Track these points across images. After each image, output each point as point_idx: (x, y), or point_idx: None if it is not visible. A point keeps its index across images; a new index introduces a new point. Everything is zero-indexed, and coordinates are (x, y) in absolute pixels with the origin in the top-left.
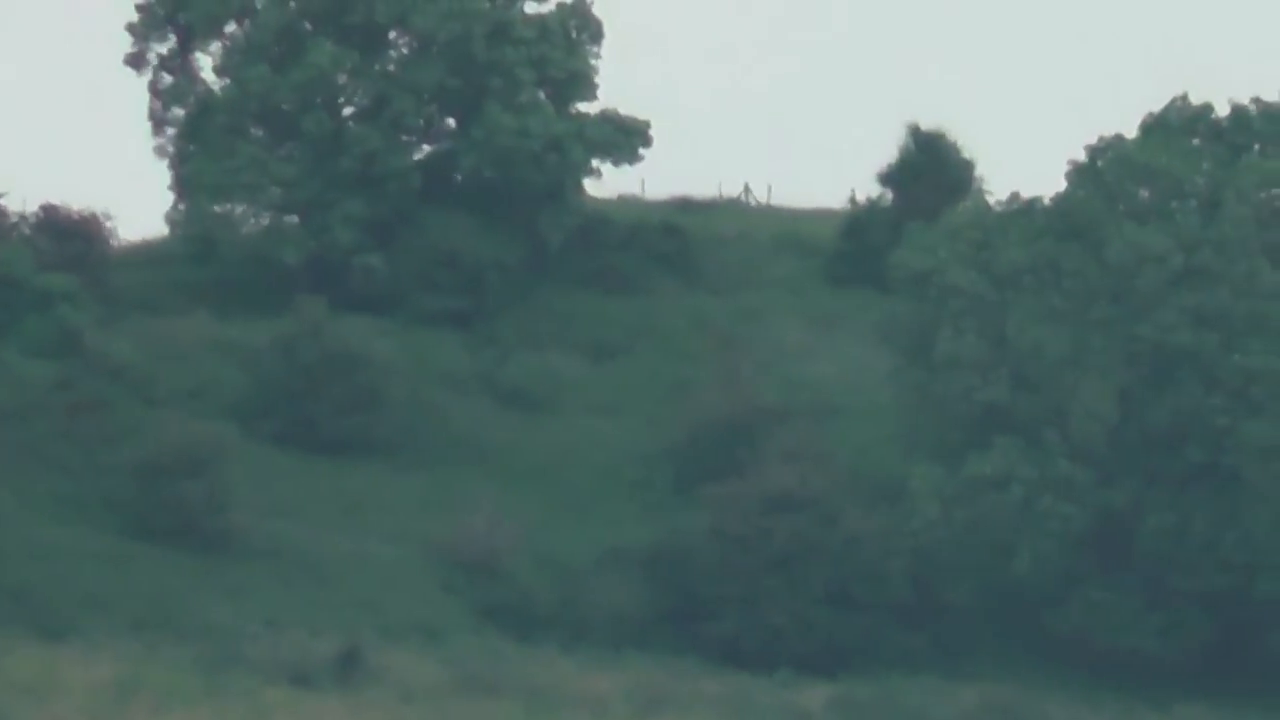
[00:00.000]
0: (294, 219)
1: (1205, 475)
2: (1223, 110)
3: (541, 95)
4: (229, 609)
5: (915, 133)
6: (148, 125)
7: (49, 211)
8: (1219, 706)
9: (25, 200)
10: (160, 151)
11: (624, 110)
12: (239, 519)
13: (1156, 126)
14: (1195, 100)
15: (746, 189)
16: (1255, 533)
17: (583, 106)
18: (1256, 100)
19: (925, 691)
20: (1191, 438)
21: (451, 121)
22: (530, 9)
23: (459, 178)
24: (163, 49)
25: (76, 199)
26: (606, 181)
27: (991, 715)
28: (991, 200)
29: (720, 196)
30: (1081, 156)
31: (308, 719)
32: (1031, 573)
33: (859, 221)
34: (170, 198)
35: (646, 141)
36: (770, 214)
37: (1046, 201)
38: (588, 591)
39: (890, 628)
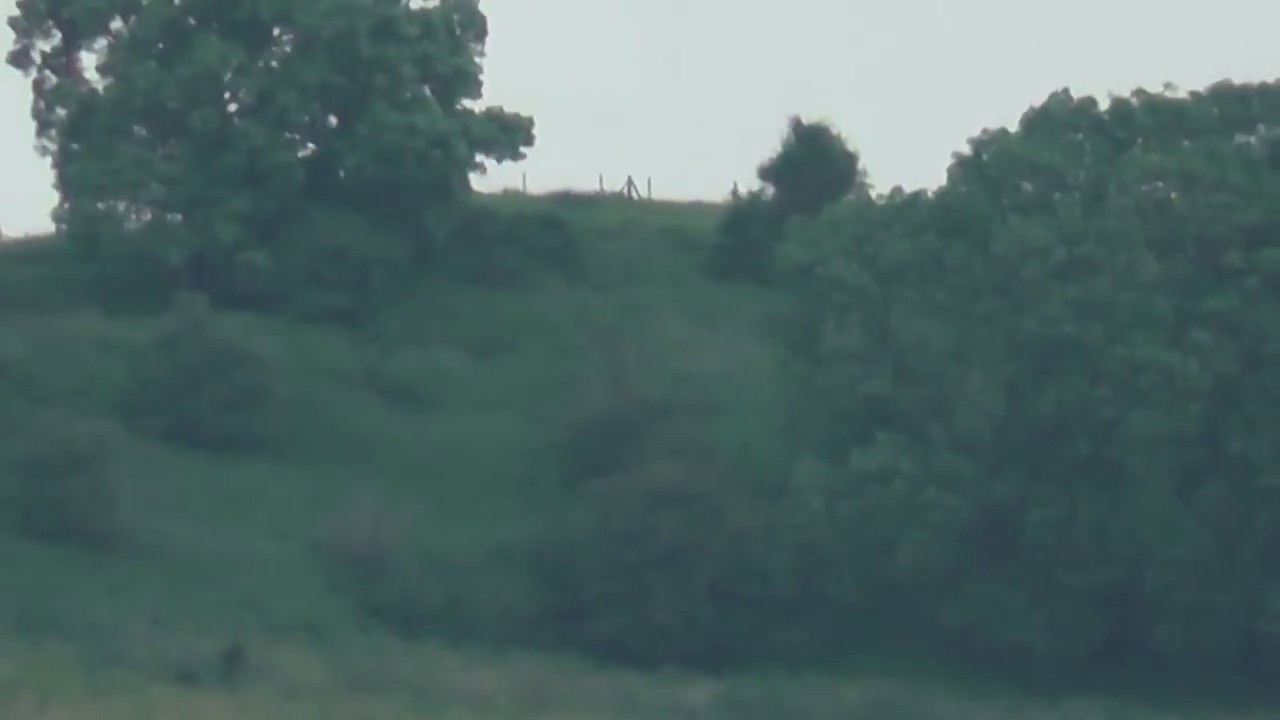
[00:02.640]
0: (178, 216)
1: (1091, 467)
2: (1105, 104)
3: (426, 92)
4: (113, 607)
5: (797, 126)
6: (32, 124)
7: None
8: (1107, 700)
9: None
10: (43, 150)
11: (507, 107)
12: (123, 516)
13: (1039, 120)
14: (1077, 94)
15: (629, 183)
16: (1142, 526)
17: (466, 103)
18: (1139, 93)
19: (810, 688)
20: (1077, 430)
21: (335, 119)
22: (415, 5)
23: (343, 174)
24: (46, 46)
25: None
26: (490, 177)
27: (877, 711)
28: (874, 194)
29: (603, 191)
30: (965, 150)
31: (193, 717)
32: (916, 567)
33: (741, 215)
34: (56, 196)
35: (529, 138)
36: (653, 208)
37: (930, 195)
38: (473, 589)
39: (775, 624)
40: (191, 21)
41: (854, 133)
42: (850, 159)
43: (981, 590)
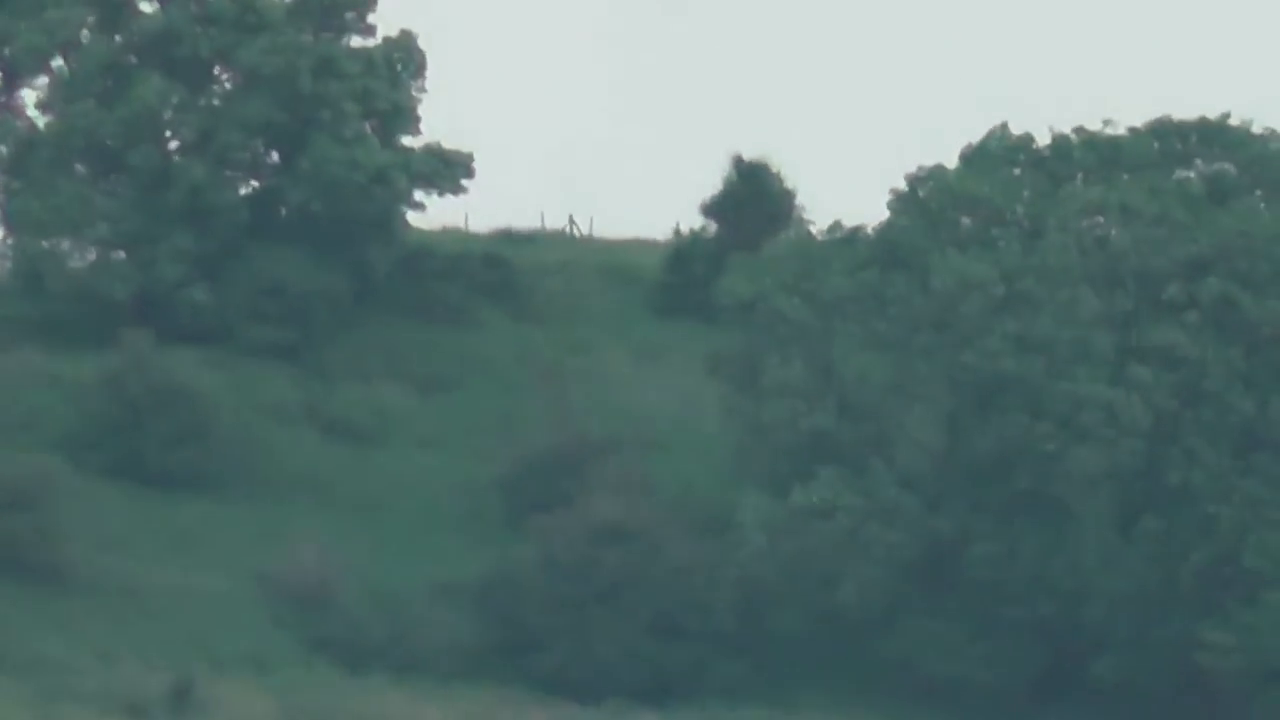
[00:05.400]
0: (121, 254)
1: (1032, 502)
2: (1044, 139)
3: (367, 128)
4: (60, 642)
5: (738, 163)
6: None
7: None
8: None
9: None
10: None
11: (447, 143)
12: (68, 552)
13: (977, 155)
14: (1016, 130)
15: (571, 221)
16: (1082, 560)
17: (407, 140)
18: (1077, 129)
19: None
20: (1018, 465)
21: (277, 156)
22: (355, 43)
23: (286, 211)
24: None
25: None
26: (431, 215)
27: None
28: (814, 229)
29: (544, 229)
30: (903, 186)
31: None
32: (858, 601)
33: (683, 252)
34: None
35: (469, 173)
36: (594, 245)
37: (869, 230)
38: (417, 624)
39: (717, 657)
40: (132, 59)
41: (794, 169)
42: (789, 195)
43: (922, 624)
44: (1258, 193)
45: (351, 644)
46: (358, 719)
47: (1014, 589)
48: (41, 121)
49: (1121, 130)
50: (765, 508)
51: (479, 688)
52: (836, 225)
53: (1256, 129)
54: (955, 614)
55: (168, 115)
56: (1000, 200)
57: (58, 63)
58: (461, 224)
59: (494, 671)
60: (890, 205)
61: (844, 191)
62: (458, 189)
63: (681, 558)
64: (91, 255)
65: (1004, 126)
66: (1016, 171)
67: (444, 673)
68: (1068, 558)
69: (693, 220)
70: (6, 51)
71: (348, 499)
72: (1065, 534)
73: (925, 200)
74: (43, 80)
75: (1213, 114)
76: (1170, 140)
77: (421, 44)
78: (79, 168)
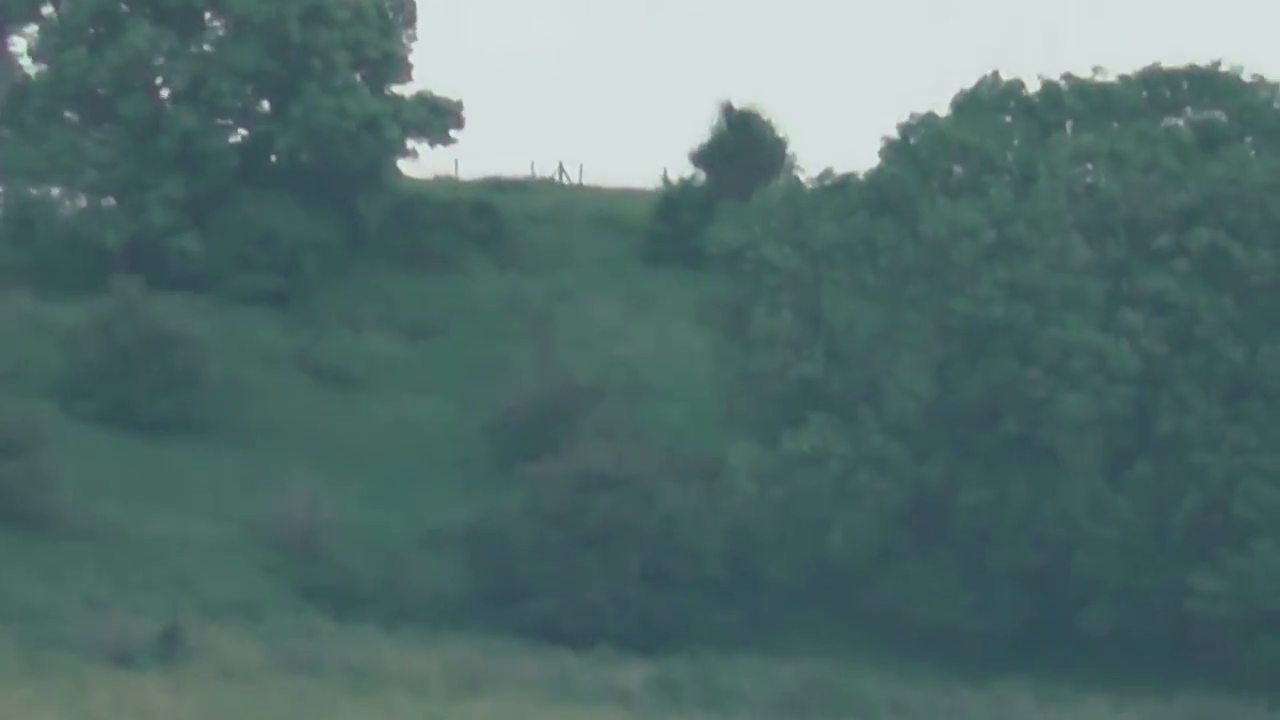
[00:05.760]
0: (111, 201)
1: (1021, 449)
2: (1034, 87)
3: (357, 77)
4: (49, 589)
5: (728, 112)
6: None
7: None
8: (1035, 680)
9: None
10: None
11: (437, 91)
12: (58, 499)
13: (968, 103)
14: (1006, 77)
15: (560, 169)
16: (1071, 507)
17: (397, 88)
18: (1067, 77)
19: (742, 669)
20: (1007, 412)
21: (267, 104)
22: None
23: (276, 159)
24: None
25: None
26: (422, 163)
27: (808, 691)
28: (804, 177)
29: (534, 177)
30: (894, 134)
31: (129, 698)
32: (847, 549)
33: (673, 201)
34: None
35: (459, 122)
36: (584, 194)
37: (860, 178)
38: (407, 571)
39: (707, 605)
40: (123, 7)
41: (784, 117)
42: (780, 144)
43: (912, 571)
44: (1248, 140)
45: (341, 591)
46: (347, 667)
47: (1003, 536)
48: (32, 69)
49: (1112, 78)
50: (755, 455)
51: (468, 636)
52: (826, 173)
53: (1247, 77)
54: (944, 561)
55: (158, 63)
56: (991, 148)
57: (49, 10)
58: (452, 172)
59: (483, 619)
60: (881, 153)
61: (835, 141)
62: (447, 138)
63: (671, 505)
64: (82, 202)
65: (995, 74)
66: (1007, 119)
67: (433, 621)
68: (1057, 505)
69: (682, 169)
70: None
71: (337, 446)
72: (1055, 481)
73: (916, 148)
74: (33, 28)
75: (1203, 62)
76: (1160, 88)
77: None
78: (70, 115)
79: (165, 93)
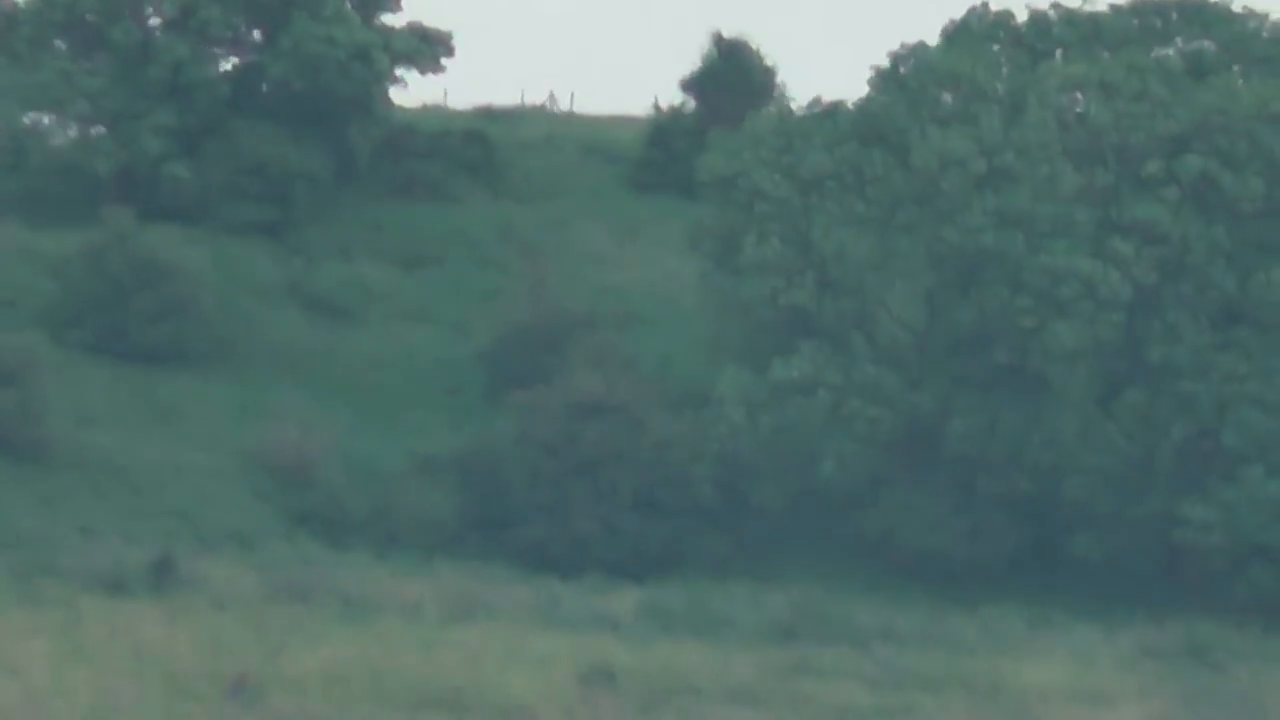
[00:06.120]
0: (102, 130)
1: (1012, 377)
2: (1022, 16)
3: (347, 5)
4: (42, 518)
5: (718, 40)
6: None
7: None
8: (1026, 607)
9: None
10: None
11: (427, 21)
12: (51, 428)
13: (958, 33)
14: (996, 7)
15: (551, 97)
16: (1061, 435)
17: (387, 18)
18: (1056, 6)
19: (733, 596)
20: (998, 340)
21: (258, 33)
22: None
23: (267, 88)
24: None
25: None
26: (412, 92)
27: (799, 618)
28: (794, 106)
29: (524, 105)
30: (884, 63)
31: (122, 626)
32: (838, 476)
33: (663, 129)
34: None
35: (450, 51)
36: (574, 122)
37: (850, 106)
38: (399, 499)
39: (698, 533)
40: None
41: (774, 46)
42: (770, 73)
43: (903, 499)
44: (1236, 70)
45: (333, 519)
46: (340, 594)
47: (994, 464)
48: None
49: (1101, 7)
50: (745, 383)
51: (460, 563)
52: (816, 100)
53: (1236, 7)
54: (936, 489)
55: None
56: (981, 77)
57: None
58: (442, 100)
59: (475, 546)
60: (871, 83)
61: (825, 70)
62: (438, 67)
63: (661, 433)
64: (73, 131)
65: (985, 4)
66: (996, 48)
67: (425, 548)
68: (1047, 433)
69: (673, 96)
70: None
71: (329, 374)
72: (1045, 409)
73: (906, 78)
74: None
75: None
76: (1150, 17)
77: None
78: (60, 44)
79: (155, 21)
